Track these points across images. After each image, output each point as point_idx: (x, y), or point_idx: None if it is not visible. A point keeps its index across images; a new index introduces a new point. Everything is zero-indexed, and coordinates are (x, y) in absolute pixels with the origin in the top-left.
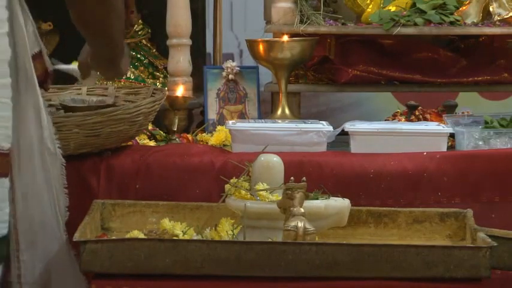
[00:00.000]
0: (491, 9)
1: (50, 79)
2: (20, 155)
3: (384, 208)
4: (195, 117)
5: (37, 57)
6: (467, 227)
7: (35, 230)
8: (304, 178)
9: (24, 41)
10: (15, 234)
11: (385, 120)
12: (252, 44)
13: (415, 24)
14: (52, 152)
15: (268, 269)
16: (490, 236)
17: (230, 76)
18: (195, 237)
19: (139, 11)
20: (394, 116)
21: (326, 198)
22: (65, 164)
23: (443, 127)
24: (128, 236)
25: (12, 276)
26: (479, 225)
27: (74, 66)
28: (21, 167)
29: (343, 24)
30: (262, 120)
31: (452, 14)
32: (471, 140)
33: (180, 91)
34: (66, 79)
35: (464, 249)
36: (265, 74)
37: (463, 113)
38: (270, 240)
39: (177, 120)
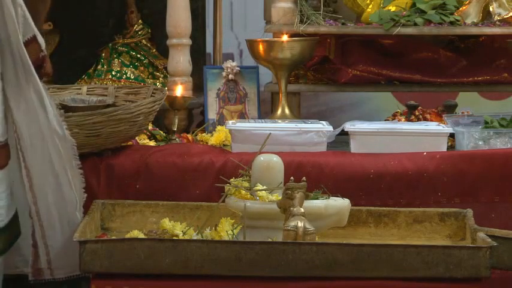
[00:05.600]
0: (491, 9)
1: (46, 63)
2: (32, 142)
3: (384, 208)
4: (195, 117)
5: (31, 42)
6: (467, 227)
7: (54, 214)
8: (304, 178)
9: (14, 27)
10: (39, 221)
11: (385, 120)
12: (252, 44)
13: (415, 24)
14: (61, 135)
15: (268, 269)
16: (490, 236)
17: (230, 76)
18: (195, 237)
19: (139, 11)
20: (394, 116)
21: (326, 198)
22: (75, 145)
23: (443, 127)
24: (127, 236)
25: (42, 263)
26: (479, 225)
27: None
28: (34, 154)
29: (343, 24)
30: (262, 120)
31: (452, 14)
32: (471, 140)
33: (180, 91)
34: (66, 79)
35: (464, 249)
36: (265, 74)
37: (463, 113)
38: (270, 240)
39: (177, 120)
